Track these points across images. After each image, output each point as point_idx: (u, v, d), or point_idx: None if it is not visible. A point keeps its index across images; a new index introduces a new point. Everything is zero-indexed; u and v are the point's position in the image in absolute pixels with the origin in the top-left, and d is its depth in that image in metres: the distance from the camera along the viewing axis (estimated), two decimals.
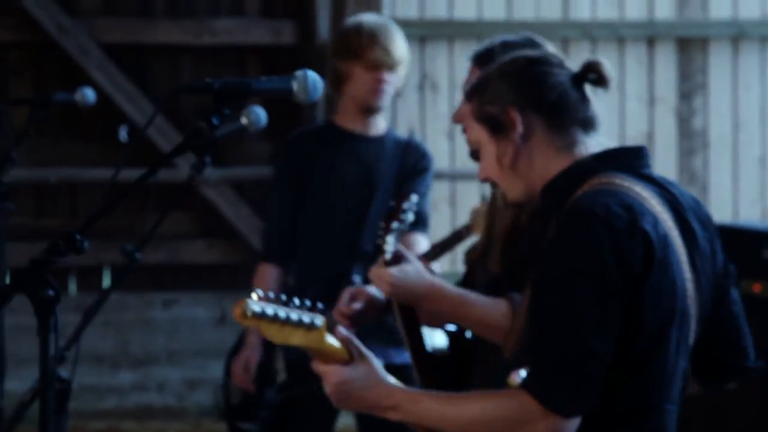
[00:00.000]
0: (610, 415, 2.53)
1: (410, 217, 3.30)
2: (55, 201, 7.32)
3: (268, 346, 4.49)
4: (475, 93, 2.73)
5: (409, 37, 4.85)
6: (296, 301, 2.45)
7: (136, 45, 7.28)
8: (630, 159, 2.66)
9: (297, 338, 2.47)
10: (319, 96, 2.71)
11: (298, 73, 2.68)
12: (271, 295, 2.39)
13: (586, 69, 2.68)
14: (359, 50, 4.34)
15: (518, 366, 2.53)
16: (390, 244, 3.22)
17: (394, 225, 3.24)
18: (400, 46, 4.38)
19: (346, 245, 4.40)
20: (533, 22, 7.49)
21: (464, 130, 3.12)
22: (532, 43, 3.32)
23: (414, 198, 3.28)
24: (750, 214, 7.53)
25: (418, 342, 3.23)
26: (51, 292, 2.42)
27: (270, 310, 2.42)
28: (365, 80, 4.37)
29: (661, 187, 2.64)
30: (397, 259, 3.21)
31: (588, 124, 2.67)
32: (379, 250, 3.23)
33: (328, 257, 4.46)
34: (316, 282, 4.44)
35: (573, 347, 2.46)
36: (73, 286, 7.17)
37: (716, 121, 7.64)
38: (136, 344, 7.34)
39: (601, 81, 2.68)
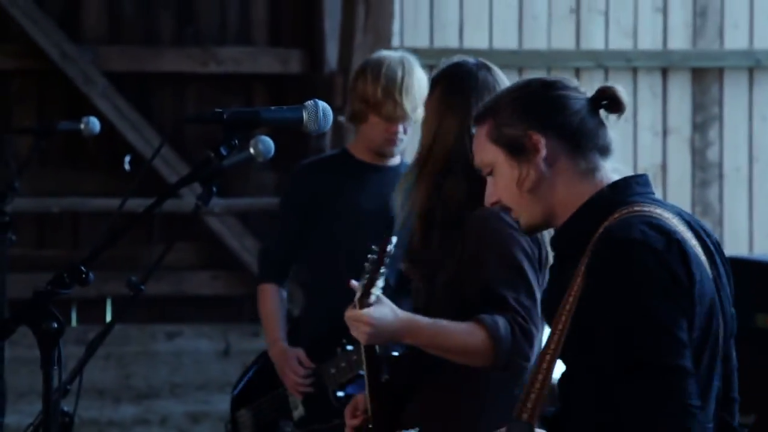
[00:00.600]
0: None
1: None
2: (57, 231, 7.26)
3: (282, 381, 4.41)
4: (489, 115, 2.72)
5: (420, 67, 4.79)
6: None
7: (141, 73, 7.24)
8: (642, 185, 2.68)
9: None
10: (329, 126, 2.66)
11: (309, 103, 2.65)
12: None
13: (601, 94, 2.70)
14: (375, 103, 4.29)
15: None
16: (377, 290, 3.22)
17: (381, 271, 3.22)
18: (418, 94, 4.29)
19: (356, 275, 4.31)
20: (545, 52, 7.44)
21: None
22: (486, 67, 3.44)
23: (394, 240, 3.24)
24: (765, 247, 7.48)
25: (375, 375, 3.33)
26: (54, 325, 2.37)
27: None
28: (380, 129, 4.36)
29: (675, 209, 2.66)
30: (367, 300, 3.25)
31: (605, 150, 2.69)
32: (366, 296, 3.23)
33: (336, 288, 4.38)
34: (324, 312, 4.37)
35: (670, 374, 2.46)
36: (74, 318, 7.11)
37: (731, 153, 7.58)
38: (138, 377, 7.27)
39: (615, 106, 2.70)
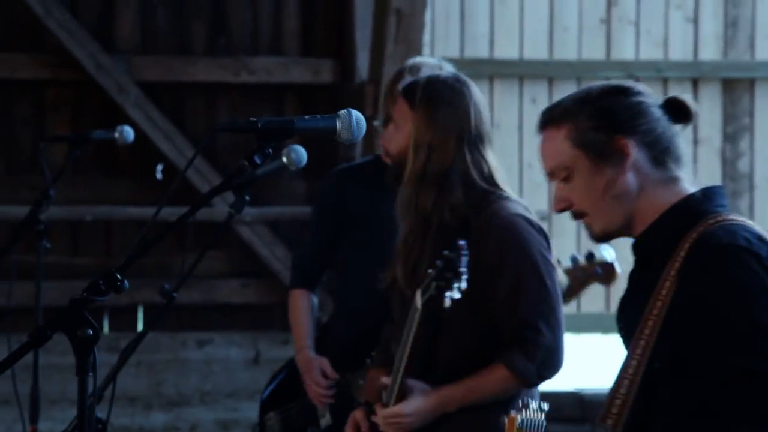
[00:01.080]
0: None
1: None
2: (90, 239, 7.29)
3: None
4: (565, 119, 2.68)
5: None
6: None
7: (174, 83, 7.27)
8: (724, 197, 2.68)
9: None
10: (362, 135, 2.65)
11: (342, 112, 2.65)
12: None
13: (670, 103, 2.68)
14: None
15: None
16: (453, 293, 3.27)
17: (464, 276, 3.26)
18: None
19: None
20: (575, 62, 7.44)
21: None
22: (460, 79, 3.53)
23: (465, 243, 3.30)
24: None
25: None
26: (90, 332, 2.37)
27: None
28: None
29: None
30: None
31: (680, 159, 2.67)
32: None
33: (366, 296, 4.38)
34: (353, 320, 4.37)
35: None
36: (106, 325, 7.14)
37: (762, 163, 7.56)
38: (169, 384, 7.28)
39: (683, 116, 2.67)
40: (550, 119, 2.72)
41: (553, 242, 3.78)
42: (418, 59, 4.46)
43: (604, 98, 2.66)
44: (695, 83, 7.54)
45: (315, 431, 4.42)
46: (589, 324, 7.61)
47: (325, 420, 4.39)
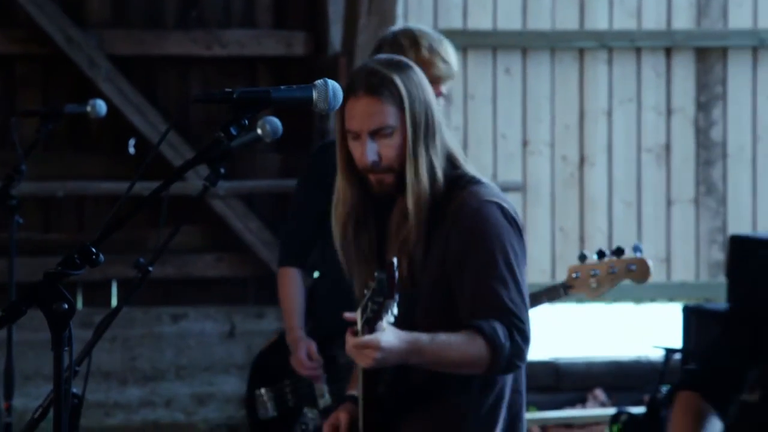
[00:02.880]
0: None
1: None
2: (62, 215, 7.26)
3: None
4: None
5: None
6: None
7: (146, 57, 7.22)
8: None
9: None
10: (338, 105, 2.63)
11: (319, 82, 2.63)
12: None
13: None
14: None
15: None
16: (389, 317, 3.17)
17: (392, 300, 3.15)
18: (451, 58, 4.26)
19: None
20: (549, 32, 7.43)
21: None
22: (404, 63, 3.34)
23: (396, 262, 3.17)
24: None
25: (371, 389, 3.29)
26: (65, 306, 2.35)
27: None
28: None
29: None
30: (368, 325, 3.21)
31: None
32: (372, 322, 3.18)
33: None
34: (339, 300, 4.35)
35: None
36: (79, 301, 7.11)
37: (735, 132, 7.58)
38: (144, 359, 7.27)
39: None
40: None
41: (529, 212, 3.78)
42: (393, 30, 4.42)
43: None
44: (668, 52, 7.54)
45: (312, 411, 4.38)
46: None
47: (324, 401, 4.35)
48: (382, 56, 3.51)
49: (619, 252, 4.09)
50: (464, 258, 3.27)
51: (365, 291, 3.17)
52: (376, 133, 3.31)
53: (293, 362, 4.36)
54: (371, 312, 3.16)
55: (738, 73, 7.55)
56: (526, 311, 3.28)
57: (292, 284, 4.42)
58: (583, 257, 4.11)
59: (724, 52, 7.54)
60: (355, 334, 3.20)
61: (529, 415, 3.55)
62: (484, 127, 7.48)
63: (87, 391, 2.69)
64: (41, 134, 4.30)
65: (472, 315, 3.25)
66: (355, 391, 3.52)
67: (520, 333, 3.24)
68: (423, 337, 3.21)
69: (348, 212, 3.41)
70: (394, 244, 3.29)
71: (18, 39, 7.09)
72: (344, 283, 4.37)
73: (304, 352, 4.33)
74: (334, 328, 4.31)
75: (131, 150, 6.89)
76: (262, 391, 4.46)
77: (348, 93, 3.32)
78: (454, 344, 3.21)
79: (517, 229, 3.33)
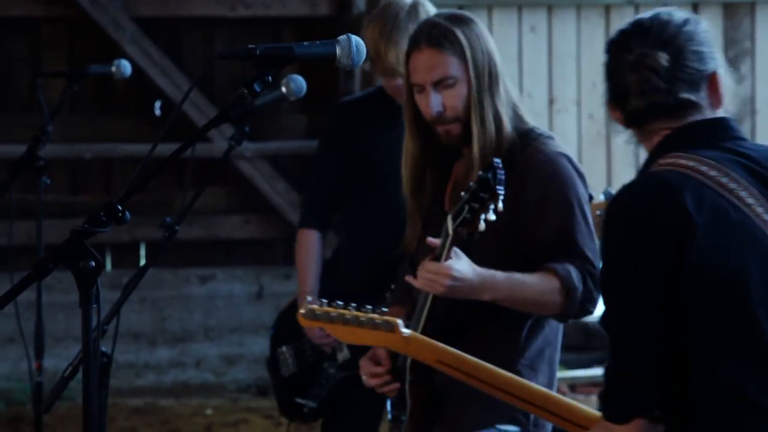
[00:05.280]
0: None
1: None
2: (89, 177, 7.28)
3: None
4: None
5: (447, 7, 4.75)
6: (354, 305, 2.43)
7: (170, 18, 7.22)
8: (708, 133, 2.62)
9: (371, 338, 2.45)
10: (362, 61, 2.62)
11: (342, 37, 2.61)
12: (326, 302, 2.38)
13: None
14: (371, 58, 4.19)
15: None
16: (489, 215, 3.17)
17: (502, 194, 3.16)
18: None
19: (397, 213, 4.21)
20: None
21: None
22: (467, 17, 3.36)
23: (500, 162, 3.18)
24: None
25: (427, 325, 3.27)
26: (92, 263, 2.35)
27: (334, 312, 2.40)
28: (385, 81, 4.25)
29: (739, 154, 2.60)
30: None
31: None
32: (447, 249, 3.19)
33: (378, 227, 4.36)
34: (367, 253, 4.34)
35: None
36: (108, 263, 7.14)
37: (764, 88, 7.52)
38: (173, 321, 7.31)
39: None
40: None
41: None
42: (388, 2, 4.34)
43: None
44: (695, 7, 7.48)
45: (332, 366, 4.40)
46: None
47: (343, 355, 4.36)
48: (445, 11, 3.55)
49: (609, 195, 4.09)
50: (541, 205, 3.31)
51: (462, 194, 3.17)
52: (439, 84, 3.35)
53: (305, 329, 4.36)
54: (468, 212, 3.15)
55: (766, 28, 7.49)
56: (598, 259, 3.32)
57: (309, 248, 4.40)
58: (590, 198, 4.09)
59: (752, 6, 7.47)
60: (437, 258, 3.20)
61: (559, 374, 3.56)
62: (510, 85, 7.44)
63: (117, 352, 2.70)
64: (66, 95, 4.29)
65: (548, 259, 3.28)
66: None
67: (592, 278, 3.29)
68: (498, 273, 3.23)
69: (414, 163, 3.45)
70: (459, 191, 3.30)
71: (43, 1, 7.10)
72: (367, 242, 4.38)
73: None
74: (356, 287, 4.33)
75: (157, 112, 6.90)
76: (284, 348, 4.48)
77: (411, 47, 3.39)
78: (530, 283, 3.24)
79: (584, 180, 3.39)
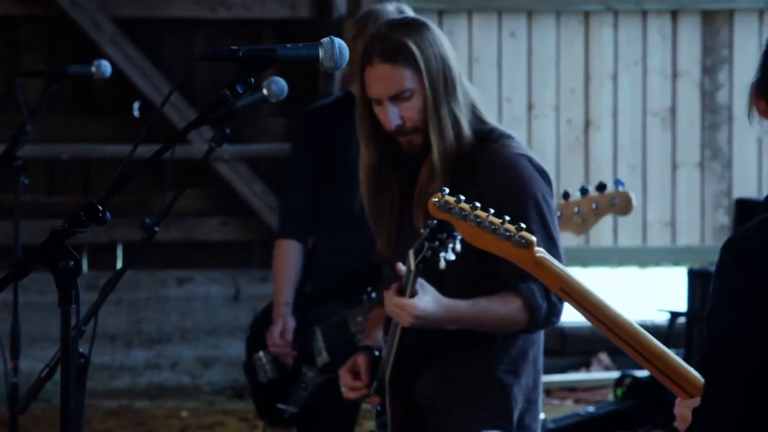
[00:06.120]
0: None
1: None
2: (67, 178, 7.26)
3: (307, 327, 4.38)
4: None
5: (427, 12, 4.76)
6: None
7: (150, 19, 7.20)
8: None
9: (499, 248, 2.46)
10: (345, 63, 2.61)
11: (324, 40, 2.60)
12: (463, 198, 2.39)
13: None
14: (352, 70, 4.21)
15: None
16: (448, 255, 3.16)
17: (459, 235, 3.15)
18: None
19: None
20: None
21: None
22: (420, 21, 3.36)
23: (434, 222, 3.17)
24: None
25: (401, 341, 3.30)
26: (72, 263, 2.34)
27: (469, 211, 2.41)
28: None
29: None
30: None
31: None
32: (412, 283, 3.20)
33: (355, 229, 4.35)
34: (342, 254, 4.34)
35: None
36: (85, 264, 7.12)
37: (741, 96, 7.55)
38: (149, 322, 7.29)
39: None
40: None
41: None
42: (373, 8, 4.36)
43: None
44: (674, 15, 7.51)
45: (311, 370, 4.39)
46: (569, 258, 7.63)
47: (322, 358, 4.36)
48: (395, 19, 3.52)
49: (601, 187, 4.12)
50: (501, 209, 3.27)
51: (421, 230, 3.17)
52: (395, 98, 3.34)
53: (267, 335, 4.39)
54: (429, 250, 3.15)
55: (744, 36, 7.52)
56: (562, 261, 3.30)
57: (287, 258, 4.40)
58: (566, 195, 4.11)
59: (730, 14, 7.50)
60: (400, 289, 3.23)
61: None
62: (489, 91, 7.46)
63: (93, 354, 2.68)
64: (46, 95, 4.28)
65: (508, 270, 3.26)
66: (370, 341, 3.54)
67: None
68: (462, 304, 3.26)
69: (372, 173, 3.44)
70: (422, 200, 3.30)
71: (22, 1, 7.07)
72: (341, 246, 4.37)
73: (279, 330, 4.36)
74: (330, 289, 4.33)
75: (136, 113, 6.85)
76: (260, 354, 4.46)
77: (364, 61, 3.35)
78: (494, 309, 3.27)
79: (548, 180, 3.37)
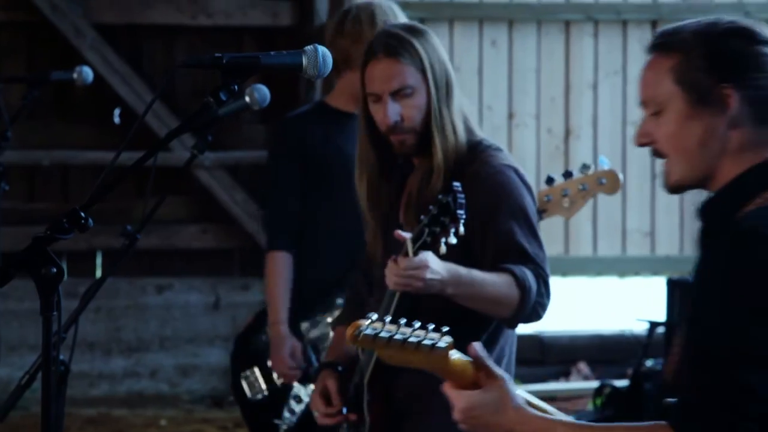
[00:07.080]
0: None
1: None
2: (47, 184, 7.24)
3: (299, 340, 4.35)
4: (677, 50, 2.39)
5: (409, 20, 4.75)
6: (416, 324, 2.34)
7: (131, 26, 7.19)
8: None
9: (418, 361, 2.33)
10: (328, 71, 2.62)
11: (308, 48, 2.62)
12: (387, 318, 2.32)
13: None
14: (345, 58, 4.22)
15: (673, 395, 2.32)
16: (450, 239, 3.17)
17: (462, 219, 3.17)
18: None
19: (350, 220, 4.18)
20: (535, 4, 7.41)
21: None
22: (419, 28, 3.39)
23: (460, 186, 3.18)
24: None
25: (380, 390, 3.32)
26: (54, 270, 2.33)
27: (385, 333, 2.29)
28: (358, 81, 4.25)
29: None
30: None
31: None
32: (425, 243, 3.18)
33: (335, 242, 4.35)
34: (323, 258, 4.33)
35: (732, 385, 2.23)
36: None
37: None
38: (128, 330, 7.26)
39: None
40: (661, 45, 2.42)
41: None
42: (360, 2, 4.37)
43: (727, 40, 2.38)
44: (654, 25, 7.53)
45: (305, 386, 4.33)
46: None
47: (314, 369, 4.30)
48: (399, 22, 3.56)
49: (586, 168, 4.08)
50: (490, 215, 3.33)
51: (421, 217, 3.17)
52: (397, 94, 3.36)
53: (273, 359, 4.30)
54: (429, 236, 3.15)
55: None
56: (547, 265, 3.36)
57: (279, 272, 4.32)
58: (550, 180, 4.08)
59: None
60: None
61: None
62: (469, 99, 7.46)
63: (72, 361, 2.68)
64: (27, 101, 4.27)
65: (495, 255, 3.30)
66: (332, 357, 3.55)
67: (545, 284, 3.32)
68: (461, 268, 3.24)
69: (370, 173, 3.46)
70: (415, 202, 3.31)
71: (2, 6, 7.05)
72: (319, 254, 4.36)
73: (288, 352, 4.27)
74: (313, 293, 4.32)
75: (116, 120, 6.87)
76: (248, 372, 4.40)
77: (368, 56, 3.40)
78: (488, 280, 3.26)
79: (531, 193, 3.42)
